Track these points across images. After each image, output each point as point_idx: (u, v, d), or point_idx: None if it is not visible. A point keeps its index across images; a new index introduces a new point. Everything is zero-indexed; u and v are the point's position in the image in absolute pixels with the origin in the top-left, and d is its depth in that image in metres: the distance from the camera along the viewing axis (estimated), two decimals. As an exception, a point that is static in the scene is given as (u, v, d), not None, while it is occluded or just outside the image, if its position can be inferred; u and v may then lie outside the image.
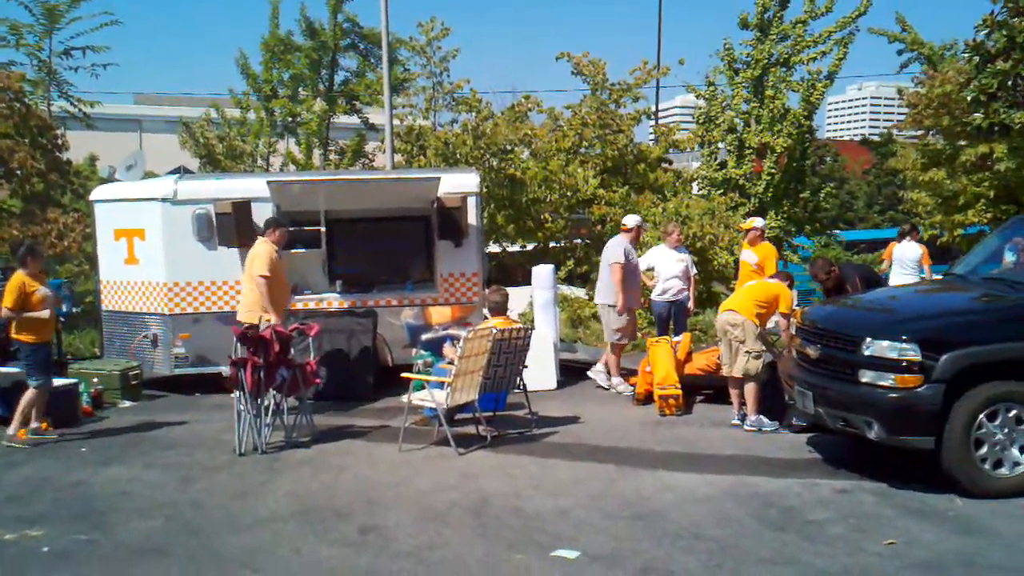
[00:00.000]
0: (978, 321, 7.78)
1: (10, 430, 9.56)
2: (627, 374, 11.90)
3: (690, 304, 12.56)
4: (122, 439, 9.85)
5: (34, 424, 9.80)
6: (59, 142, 18.82)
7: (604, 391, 11.86)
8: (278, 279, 10.54)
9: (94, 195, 13.01)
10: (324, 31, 23.06)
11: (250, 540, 6.60)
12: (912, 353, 7.21)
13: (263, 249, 10.49)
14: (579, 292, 17.97)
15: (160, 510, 7.34)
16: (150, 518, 7.14)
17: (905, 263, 14.85)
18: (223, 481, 8.14)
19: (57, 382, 10.55)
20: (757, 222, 12.77)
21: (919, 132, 20.49)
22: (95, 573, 6.12)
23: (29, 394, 9.60)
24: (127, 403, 11.67)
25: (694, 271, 12.77)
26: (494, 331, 9.20)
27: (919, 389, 7.18)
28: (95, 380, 11.55)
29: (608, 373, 11.99)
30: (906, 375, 7.22)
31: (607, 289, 11.83)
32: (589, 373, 12.25)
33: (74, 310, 14.31)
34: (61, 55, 20.23)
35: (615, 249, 11.78)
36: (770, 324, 10.04)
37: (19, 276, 9.60)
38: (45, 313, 9.69)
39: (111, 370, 11.78)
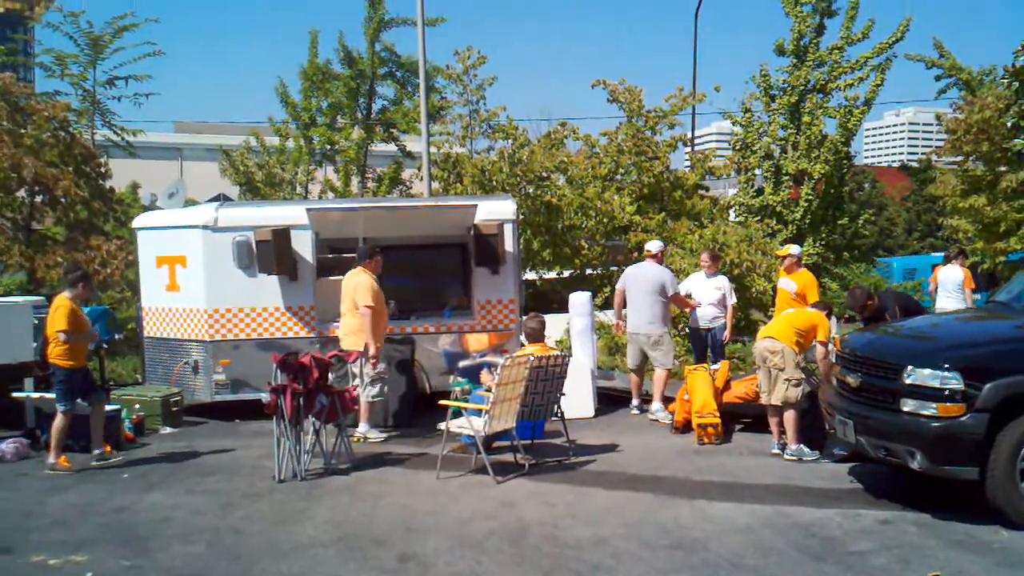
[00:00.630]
0: (1022, 349, 7.69)
1: (50, 459, 9.67)
2: (665, 402, 11.87)
3: (726, 333, 12.53)
4: (164, 465, 9.94)
5: (97, 450, 9.92)
6: (102, 170, 19.09)
7: (639, 419, 11.82)
8: (379, 307, 10.72)
9: (136, 223, 13.20)
10: (362, 60, 23.30)
11: (290, 567, 6.63)
12: (954, 382, 7.14)
13: (365, 280, 10.68)
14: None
15: (201, 536, 7.39)
16: (191, 544, 7.19)
17: (948, 287, 14.75)
18: (263, 508, 8.19)
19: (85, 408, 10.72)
20: (793, 249, 12.70)
21: (958, 158, 20.37)
22: (138, 599, 6.17)
23: (58, 421, 9.70)
24: (168, 429, 11.76)
25: (732, 299, 12.72)
26: (531, 358, 9.21)
27: (962, 418, 7.10)
28: (136, 407, 11.65)
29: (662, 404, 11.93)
30: (949, 404, 7.14)
31: (658, 319, 11.94)
32: (650, 416, 11.93)
33: (116, 337, 14.48)
34: (105, 84, 20.61)
35: (670, 278, 12.13)
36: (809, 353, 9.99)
37: (67, 301, 9.73)
38: (88, 338, 9.97)
39: (152, 397, 11.88)
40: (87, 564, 6.76)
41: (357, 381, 10.64)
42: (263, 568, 6.62)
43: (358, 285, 10.64)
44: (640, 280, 12.11)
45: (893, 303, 10.83)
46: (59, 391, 9.80)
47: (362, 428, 10.79)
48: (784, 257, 12.67)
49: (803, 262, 12.86)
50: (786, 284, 12.41)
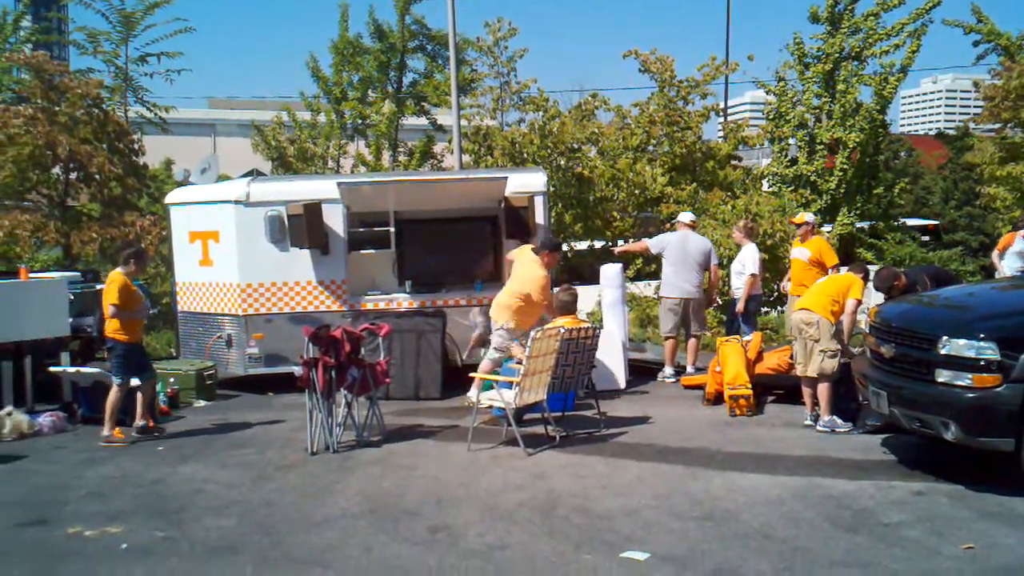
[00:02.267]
0: (1059, 319, 7.58)
1: (104, 431, 9.82)
2: (697, 372, 11.90)
3: (739, 303, 12.37)
4: (197, 438, 10.04)
5: (140, 422, 10.07)
6: (136, 147, 19.23)
7: (670, 390, 11.80)
8: (545, 299, 10.76)
9: (169, 198, 13.30)
10: (392, 33, 23.24)
11: (321, 538, 6.68)
12: (990, 352, 7.05)
13: (539, 274, 10.73)
14: (648, 291, 17.89)
15: (234, 508, 7.47)
16: (224, 516, 7.27)
17: (1010, 254, 14.44)
18: (295, 480, 8.26)
19: (135, 382, 10.83)
20: (808, 216, 12.66)
21: (996, 125, 20.06)
22: (172, 570, 6.24)
23: (113, 394, 9.84)
24: (202, 403, 11.89)
25: (752, 269, 12.47)
26: (562, 331, 9.20)
27: (998, 389, 7.01)
28: (171, 380, 11.78)
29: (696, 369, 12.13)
30: (984, 374, 7.06)
31: (700, 286, 12.39)
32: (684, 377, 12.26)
33: (152, 311, 14.63)
34: (137, 61, 20.69)
35: (712, 249, 12.58)
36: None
37: (120, 276, 9.86)
38: (142, 314, 10.15)
39: (187, 370, 12.00)
40: (122, 535, 6.86)
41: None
42: (295, 540, 6.68)
43: (536, 279, 10.66)
44: (690, 248, 12.26)
45: (923, 277, 10.61)
46: (114, 365, 9.98)
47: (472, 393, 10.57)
48: (800, 225, 12.60)
49: (815, 230, 12.76)
50: (799, 252, 12.35)
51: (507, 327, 10.57)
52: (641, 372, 12.68)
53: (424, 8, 21.86)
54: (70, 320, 11.94)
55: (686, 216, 12.87)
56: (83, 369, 11.14)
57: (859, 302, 9.67)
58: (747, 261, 12.44)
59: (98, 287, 13.20)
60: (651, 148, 19.03)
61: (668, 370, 12.40)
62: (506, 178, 12.36)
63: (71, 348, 12.07)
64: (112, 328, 9.80)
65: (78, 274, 13.67)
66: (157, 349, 15.57)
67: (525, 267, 10.79)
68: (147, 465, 8.90)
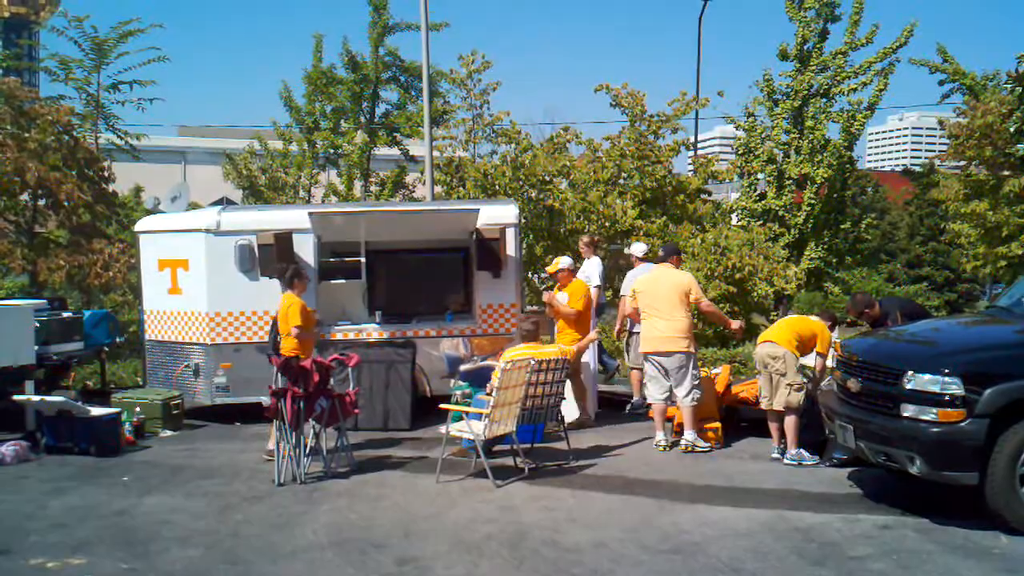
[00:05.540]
0: (1022, 355, 7.68)
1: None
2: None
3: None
4: (163, 468, 9.94)
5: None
6: (105, 174, 19.09)
7: (639, 422, 11.78)
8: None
9: (139, 226, 13.23)
10: (366, 64, 23.30)
11: (288, 570, 6.63)
12: (955, 387, 7.13)
13: (688, 275, 10.75)
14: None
15: (200, 539, 7.40)
16: (190, 547, 7.20)
17: None
18: (262, 511, 8.19)
19: (100, 411, 10.74)
20: (563, 262, 11.83)
21: (961, 163, 20.36)
22: (136, 601, 6.17)
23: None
24: (168, 432, 11.77)
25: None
26: (532, 362, 9.21)
27: (962, 424, 7.09)
28: (137, 409, 11.66)
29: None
30: (949, 409, 7.13)
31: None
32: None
33: (118, 340, 14.49)
34: (109, 89, 20.58)
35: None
36: (807, 360, 9.98)
37: (296, 298, 9.89)
38: (315, 335, 10.35)
39: (153, 399, 11.90)
40: (86, 567, 6.77)
41: (676, 385, 10.24)
42: (261, 571, 6.63)
43: (690, 282, 10.48)
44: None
45: (895, 309, 10.73)
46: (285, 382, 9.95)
47: (689, 436, 10.27)
48: (554, 273, 11.91)
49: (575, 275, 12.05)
50: (561, 298, 11.67)
51: (690, 351, 10.34)
52: (610, 404, 12.69)
53: (398, 40, 21.85)
54: (36, 348, 11.80)
55: (638, 249, 12.78)
56: (48, 398, 11.01)
57: (824, 355, 9.81)
58: (591, 273, 12.47)
59: (65, 315, 13.10)
60: (622, 181, 19.13)
61: (637, 400, 12.41)
62: (478, 210, 12.40)
63: (36, 376, 11.92)
64: (289, 347, 9.74)
65: (44, 302, 13.52)
66: (124, 378, 15.41)
67: (671, 279, 10.52)
68: (112, 495, 8.80)
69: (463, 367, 11.43)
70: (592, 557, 6.78)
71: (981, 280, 22.80)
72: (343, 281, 12.66)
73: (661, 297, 10.37)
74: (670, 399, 10.38)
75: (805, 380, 9.70)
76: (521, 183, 17.87)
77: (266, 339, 11.99)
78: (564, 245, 17.88)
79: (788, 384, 9.51)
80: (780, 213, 21.21)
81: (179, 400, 12.17)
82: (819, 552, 6.83)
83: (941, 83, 22.56)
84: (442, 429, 9.45)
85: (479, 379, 10.73)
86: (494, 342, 12.18)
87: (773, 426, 9.83)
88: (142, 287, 12.89)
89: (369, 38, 23.15)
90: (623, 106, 19.60)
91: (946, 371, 7.21)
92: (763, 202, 21.50)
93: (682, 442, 10.22)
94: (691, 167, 20.98)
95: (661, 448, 10.24)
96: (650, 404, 10.76)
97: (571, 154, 19.57)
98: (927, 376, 7.29)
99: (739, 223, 21.33)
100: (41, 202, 18.40)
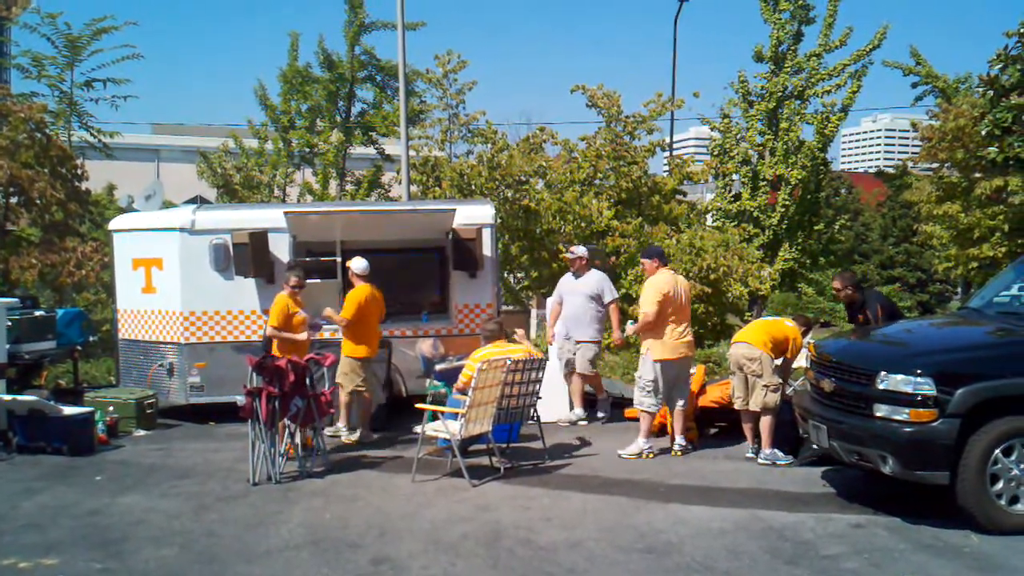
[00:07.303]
0: (993, 356, 7.77)
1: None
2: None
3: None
4: (137, 468, 9.88)
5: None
6: (79, 172, 18.95)
7: (615, 423, 11.82)
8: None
9: (112, 224, 13.14)
10: (342, 63, 23.27)
11: (263, 570, 6.62)
12: (927, 387, 7.20)
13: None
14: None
15: (175, 539, 7.36)
16: (165, 547, 7.17)
17: None
18: (237, 511, 8.16)
19: (73, 411, 10.65)
20: (579, 250, 12.37)
21: (934, 165, 20.57)
22: (109, 602, 6.14)
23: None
24: (142, 432, 11.70)
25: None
26: (508, 361, 9.23)
27: (934, 424, 7.16)
28: (110, 408, 11.59)
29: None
30: (921, 409, 7.20)
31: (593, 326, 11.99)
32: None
33: (91, 339, 14.39)
34: (82, 87, 20.43)
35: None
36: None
37: (284, 298, 10.30)
38: (302, 336, 10.39)
39: (126, 399, 11.82)
40: (58, 567, 6.73)
41: (679, 392, 10.22)
42: (236, 571, 6.60)
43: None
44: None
45: (876, 304, 10.68)
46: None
47: (681, 441, 10.22)
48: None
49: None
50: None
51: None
52: (586, 404, 12.69)
53: (374, 39, 21.95)
54: (8, 347, 11.71)
55: (579, 250, 12.55)
56: (20, 397, 10.91)
57: (791, 361, 9.92)
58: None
59: (37, 313, 13.00)
60: (598, 182, 19.18)
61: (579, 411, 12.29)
62: (454, 210, 12.39)
63: (8, 375, 11.82)
64: (274, 348, 10.16)
65: (16, 300, 13.40)
66: (97, 377, 15.31)
67: (686, 285, 10.53)
68: (85, 495, 8.74)
69: (439, 367, 11.43)
70: (567, 556, 6.80)
71: (953, 281, 22.97)
72: (319, 280, 12.61)
73: (684, 302, 10.26)
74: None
75: (781, 381, 9.77)
76: (497, 183, 17.88)
77: (240, 339, 12.00)
78: (540, 245, 17.93)
79: (764, 385, 9.57)
80: (754, 214, 21.36)
81: (153, 399, 12.10)
82: (792, 551, 6.88)
83: (914, 85, 22.82)
84: (417, 429, 9.45)
85: (455, 379, 10.73)
86: (470, 342, 12.18)
87: (747, 426, 9.89)
88: (116, 286, 12.80)
89: (345, 37, 23.15)
90: (599, 106, 19.65)
91: (918, 371, 7.28)
92: (738, 203, 21.64)
93: (675, 447, 10.23)
94: (666, 168, 21.08)
95: (650, 456, 10.13)
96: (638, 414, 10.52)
97: (547, 154, 19.61)
98: (900, 376, 7.36)
99: (714, 224, 21.46)
100: (13, 200, 18.26)
